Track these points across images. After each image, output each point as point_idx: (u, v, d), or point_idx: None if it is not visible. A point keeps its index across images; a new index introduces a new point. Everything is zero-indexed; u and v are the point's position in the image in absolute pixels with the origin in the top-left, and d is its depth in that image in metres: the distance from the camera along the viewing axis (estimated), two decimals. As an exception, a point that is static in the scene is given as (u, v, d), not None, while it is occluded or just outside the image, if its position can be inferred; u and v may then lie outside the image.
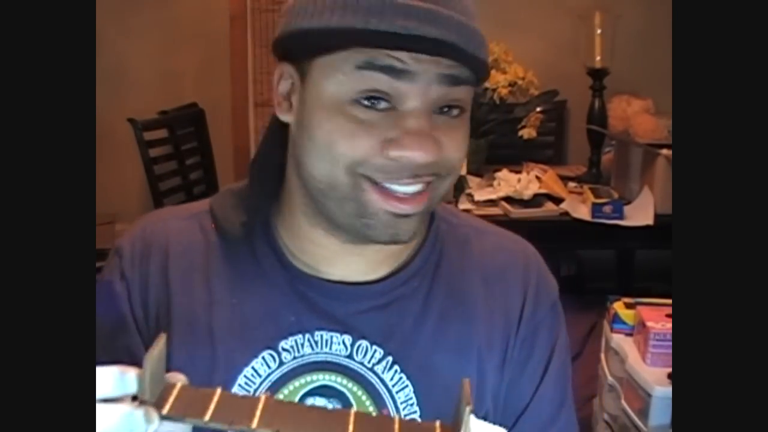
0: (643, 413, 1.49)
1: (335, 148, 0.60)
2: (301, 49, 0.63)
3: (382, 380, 0.67)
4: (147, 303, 0.69)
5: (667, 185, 1.89)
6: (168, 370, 0.51)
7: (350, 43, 0.59)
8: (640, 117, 2.26)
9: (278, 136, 0.69)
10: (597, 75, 2.31)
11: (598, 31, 2.30)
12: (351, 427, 0.45)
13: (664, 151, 1.89)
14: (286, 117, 0.66)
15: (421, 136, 0.60)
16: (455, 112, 0.63)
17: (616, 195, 2.07)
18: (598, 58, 2.30)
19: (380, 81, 0.59)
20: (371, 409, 0.67)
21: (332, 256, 0.68)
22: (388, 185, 0.61)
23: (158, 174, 2.86)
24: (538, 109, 2.32)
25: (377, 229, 0.62)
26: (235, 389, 0.66)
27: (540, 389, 0.72)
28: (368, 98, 0.60)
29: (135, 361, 0.48)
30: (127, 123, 2.83)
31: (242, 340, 0.67)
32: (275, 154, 0.70)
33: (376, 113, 0.60)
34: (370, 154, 0.60)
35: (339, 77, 0.60)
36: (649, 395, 1.47)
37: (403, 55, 0.58)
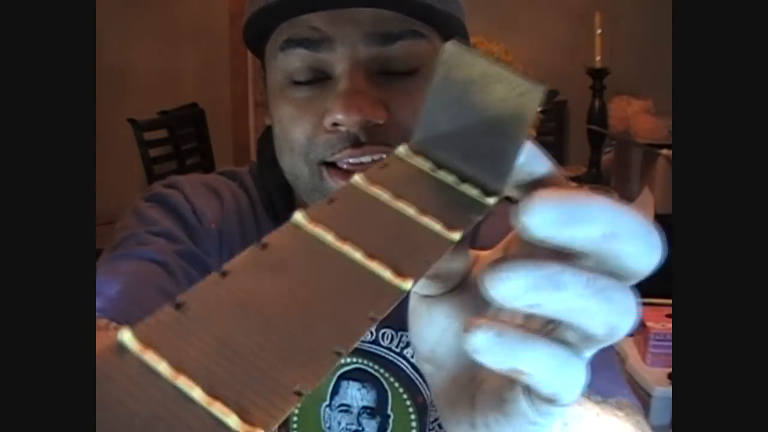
0: (643, 413, 1.49)
1: (287, 136, 0.59)
2: (249, 42, 0.62)
3: (412, 364, 0.65)
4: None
5: (667, 185, 1.89)
6: None
7: (267, 22, 0.58)
8: (640, 117, 2.25)
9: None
10: (597, 75, 2.31)
11: (598, 31, 2.30)
12: None
13: (664, 151, 1.89)
14: (267, 119, 0.65)
15: (351, 94, 0.55)
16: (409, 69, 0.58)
17: (616, 195, 2.07)
18: (598, 58, 2.30)
19: (302, 56, 0.57)
20: (405, 396, 0.65)
21: None
22: (338, 162, 0.57)
23: (158, 174, 2.86)
24: (538, 109, 2.32)
25: None
26: None
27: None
28: (304, 75, 0.58)
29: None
30: (127, 123, 2.84)
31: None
32: None
33: (314, 89, 0.57)
34: (315, 132, 0.57)
35: (272, 63, 0.59)
36: (649, 395, 1.47)
37: (318, 23, 0.56)
